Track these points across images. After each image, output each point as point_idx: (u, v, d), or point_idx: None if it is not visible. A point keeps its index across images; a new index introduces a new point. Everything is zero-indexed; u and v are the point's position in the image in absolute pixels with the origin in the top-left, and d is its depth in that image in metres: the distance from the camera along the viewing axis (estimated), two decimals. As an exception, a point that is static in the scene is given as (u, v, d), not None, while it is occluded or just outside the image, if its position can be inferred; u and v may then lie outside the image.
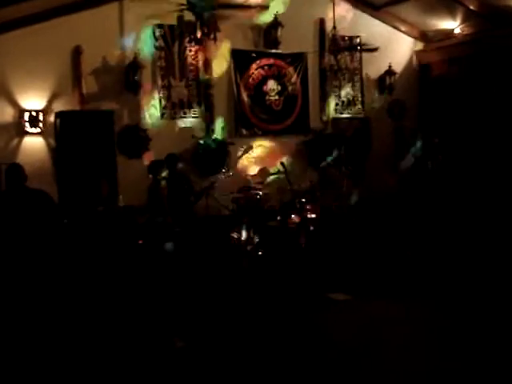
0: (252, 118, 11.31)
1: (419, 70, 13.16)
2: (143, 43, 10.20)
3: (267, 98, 11.51)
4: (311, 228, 9.69)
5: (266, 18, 11.11)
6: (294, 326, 6.86)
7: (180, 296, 7.68)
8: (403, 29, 12.79)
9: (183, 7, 7.75)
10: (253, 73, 11.33)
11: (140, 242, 8.67)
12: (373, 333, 6.53)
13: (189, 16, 8.80)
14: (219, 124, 10.93)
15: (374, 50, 10.88)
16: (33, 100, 9.40)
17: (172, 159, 9.00)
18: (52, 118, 9.44)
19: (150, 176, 8.74)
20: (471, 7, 10.92)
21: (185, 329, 6.80)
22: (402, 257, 9.21)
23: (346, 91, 12.42)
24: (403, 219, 10.20)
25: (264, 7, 10.88)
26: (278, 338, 6.54)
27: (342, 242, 9.51)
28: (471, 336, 6.30)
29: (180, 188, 8.92)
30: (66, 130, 9.13)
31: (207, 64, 10.76)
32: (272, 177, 10.57)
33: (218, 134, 10.85)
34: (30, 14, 9.08)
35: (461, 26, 11.78)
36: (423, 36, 12.95)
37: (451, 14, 11.53)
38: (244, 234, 9.48)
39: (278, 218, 9.92)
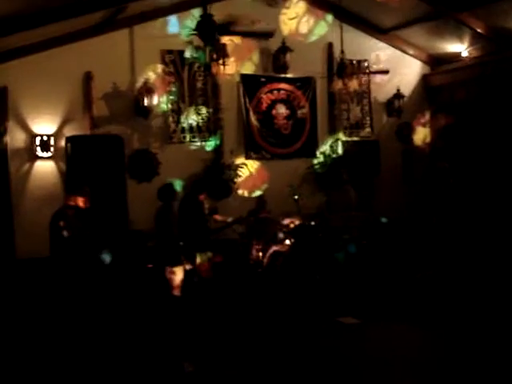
0: (261, 142, 11.38)
1: (427, 93, 13.20)
2: (153, 68, 10.32)
3: (276, 121, 11.58)
4: (320, 251, 9.68)
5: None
6: (303, 350, 6.83)
7: (189, 320, 7.68)
8: (411, 52, 12.86)
9: (192, 33, 7.81)
10: (262, 97, 11.41)
11: (149, 266, 8.69)
12: (382, 357, 6.49)
13: (198, 42, 8.91)
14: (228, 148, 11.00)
15: (385, 72, 10.91)
16: (44, 125, 9.51)
17: (167, 190, 9.01)
18: (63, 143, 9.53)
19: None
20: (478, 30, 10.96)
21: (195, 353, 6.78)
22: (411, 280, 9.18)
23: (355, 114, 12.48)
24: (412, 242, 10.17)
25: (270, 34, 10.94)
26: (287, 362, 6.52)
27: (352, 264, 9.50)
28: (480, 360, 6.25)
29: (193, 214, 8.95)
30: (76, 155, 9.21)
31: (216, 89, 10.86)
32: None
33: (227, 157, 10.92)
34: (41, 40, 9.23)
35: (468, 49, 11.82)
36: (431, 59, 13.02)
37: (458, 37, 11.59)
38: (254, 257, 9.54)
39: (287, 241, 9.92)
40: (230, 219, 9.70)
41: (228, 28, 8.30)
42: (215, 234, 9.41)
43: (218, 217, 9.58)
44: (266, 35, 9.98)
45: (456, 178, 10.29)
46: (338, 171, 10.79)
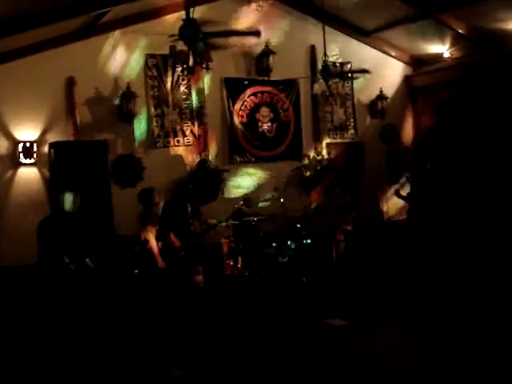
0: (245, 145, 11.37)
1: (410, 94, 13.27)
2: (135, 73, 10.28)
3: (260, 124, 11.58)
4: (307, 253, 9.70)
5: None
6: (290, 352, 6.82)
7: (176, 325, 7.64)
8: (393, 54, 12.92)
9: (175, 37, 7.78)
10: (245, 100, 11.41)
11: (135, 271, 8.65)
12: (370, 359, 6.49)
13: (181, 45, 8.88)
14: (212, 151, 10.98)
15: (366, 71, 10.93)
16: (26, 131, 9.41)
17: (145, 194, 8.96)
18: (46, 149, 9.46)
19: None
20: (460, 31, 11.03)
21: (181, 358, 6.75)
22: (397, 280, 9.21)
23: (338, 116, 12.51)
24: (397, 243, 10.21)
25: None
26: (275, 364, 6.50)
27: (338, 266, 9.51)
28: (472, 360, 6.26)
29: (177, 218, 8.92)
30: (60, 161, 9.15)
31: (200, 92, 10.84)
32: (261, 204, 10.57)
33: (211, 161, 10.89)
34: (23, 46, 9.13)
35: (450, 50, 11.92)
36: (413, 60, 13.09)
37: (440, 38, 11.66)
38: (240, 261, 9.52)
39: (274, 244, 9.92)
40: (214, 221, 9.68)
41: (211, 41, 8.24)
42: (200, 238, 9.39)
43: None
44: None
45: (439, 179, 10.34)
46: (326, 174, 10.78)
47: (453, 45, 11.78)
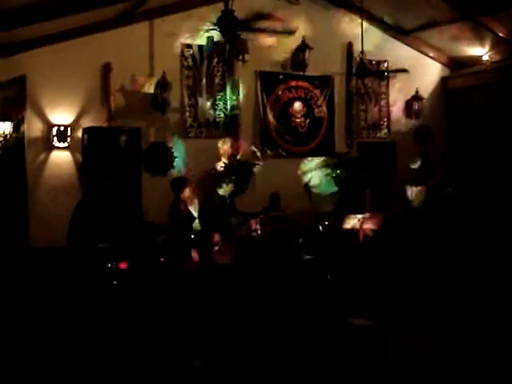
0: (277, 140, 11.34)
1: (446, 95, 13.11)
2: (171, 62, 10.31)
3: (293, 119, 11.54)
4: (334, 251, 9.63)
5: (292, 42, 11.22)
6: (314, 352, 6.78)
7: (200, 315, 7.65)
8: (431, 54, 12.79)
9: (213, 28, 7.78)
10: (279, 94, 11.38)
11: (162, 259, 8.67)
12: (395, 360, 6.43)
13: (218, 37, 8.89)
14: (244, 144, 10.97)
15: (404, 71, 10.83)
16: (61, 115, 9.53)
17: (177, 183, 8.97)
18: (80, 134, 9.55)
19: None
20: (500, 34, 10.88)
21: (204, 348, 6.75)
22: (425, 282, 9.10)
23: (372, 115, 12.41)
24: (428, 244, 10.07)
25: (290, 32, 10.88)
26: (296, 362, 6.46)
27: (365, 266, 9.43)
28: (496, 366, 6.17)
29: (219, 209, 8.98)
30: (92, 146, 9.23)
31: (234, 84, 10.83)
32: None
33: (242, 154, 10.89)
34: (61, 31, 9.23)
35: (489, 53, 11.75)
36: (451, 62, 12.93)
37: (480, 40, 11.51)
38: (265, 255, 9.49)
39: (300, 240, 9.86)
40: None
41: (249, 24, 8.22)
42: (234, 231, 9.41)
43: None
44: (287, 33, 9.96)
45: (469, 182, 10.18)
46: (357, 173, 10.69)
47: (492, 48, 11.61)
